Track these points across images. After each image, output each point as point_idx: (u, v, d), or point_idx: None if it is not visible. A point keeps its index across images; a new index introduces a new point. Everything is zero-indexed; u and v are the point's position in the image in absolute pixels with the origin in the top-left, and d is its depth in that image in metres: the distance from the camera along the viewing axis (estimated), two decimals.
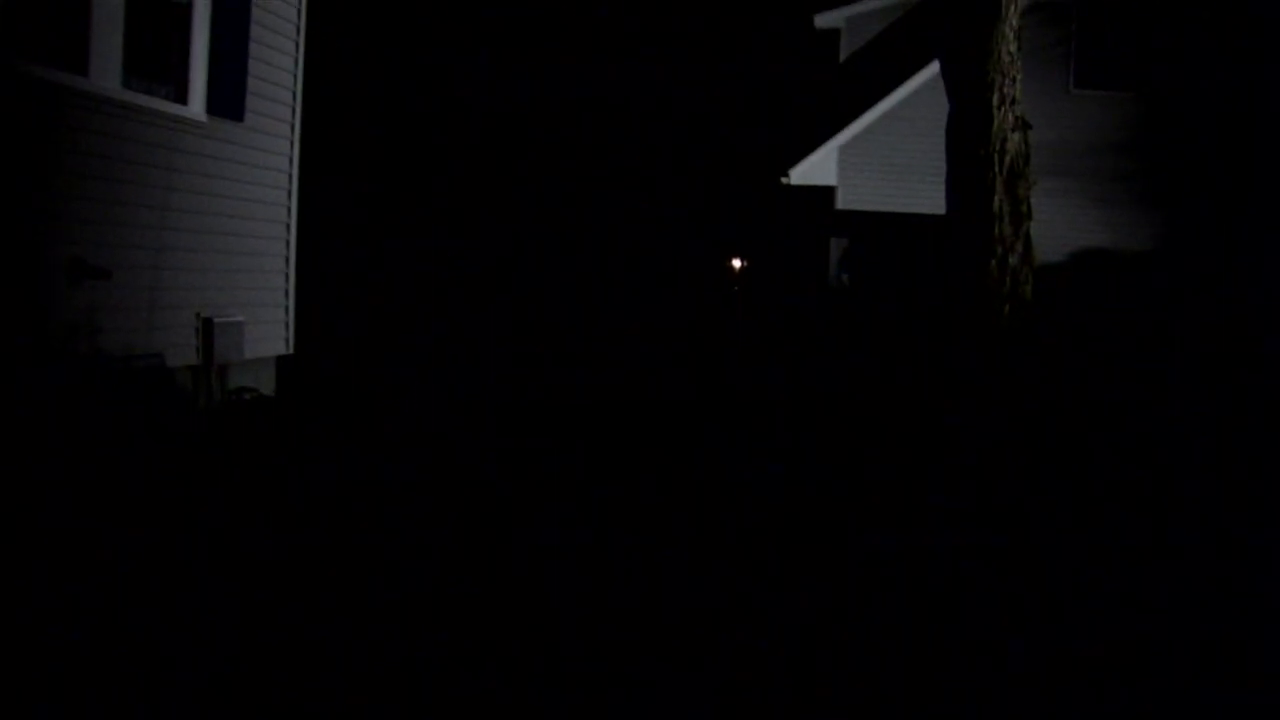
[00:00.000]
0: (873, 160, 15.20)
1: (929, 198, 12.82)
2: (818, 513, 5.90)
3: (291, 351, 9.01)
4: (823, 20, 16.74)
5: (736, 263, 24.86)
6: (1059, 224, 14.01)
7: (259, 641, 3.79)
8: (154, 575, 4.34)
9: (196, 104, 7.52)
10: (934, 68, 13.27)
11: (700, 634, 4.01)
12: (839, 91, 16.50)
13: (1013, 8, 7.03)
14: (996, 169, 6.93)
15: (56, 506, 5.07)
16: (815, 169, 15.32)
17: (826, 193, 15.47)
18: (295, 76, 8.85)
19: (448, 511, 5.65)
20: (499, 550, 5.01)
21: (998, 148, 6.95)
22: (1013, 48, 7.02)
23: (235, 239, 8.12)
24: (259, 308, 8.44)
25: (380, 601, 4.24)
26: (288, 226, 8.91)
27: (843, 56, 16.68)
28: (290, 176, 8.87)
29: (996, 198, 6.93)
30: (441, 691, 3.47)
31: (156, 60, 7.22)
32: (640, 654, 3.82)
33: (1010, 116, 6.99)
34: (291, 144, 8.87)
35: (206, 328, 7.53)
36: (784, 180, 15.37)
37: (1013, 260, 6.94)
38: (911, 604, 4.41)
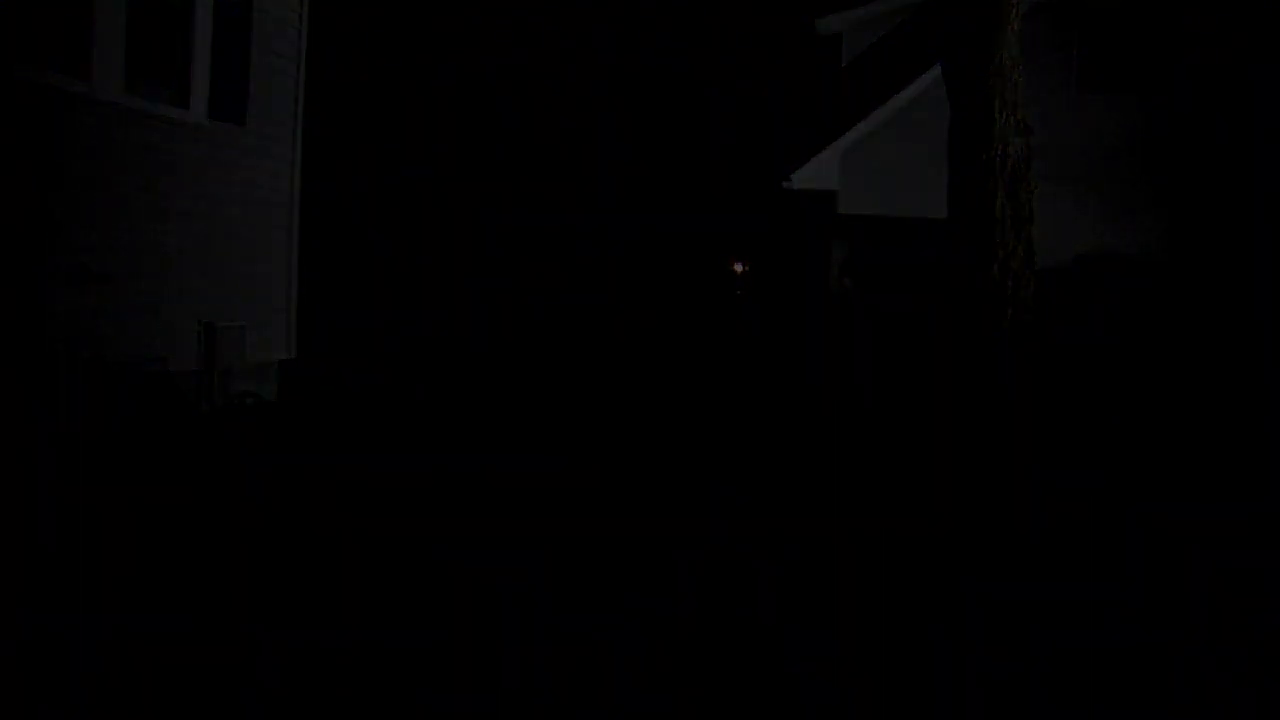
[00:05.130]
0: (875, 165, 15.19)
1: (930, 202, 12.80)
2: None
3: (294, 355, 9.01)
4: (825, 25, 16.73)
5: (738, 267, 24.85)
6: (1061, 228, 13.99)
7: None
8: (151, 577, 4.34)
9: (198, 108, 7.53)
10: (935, 72, 13.24)
11: None
12: (841, 96, 16.50)
13: (1015, 11, 7.01)
14: (998, 173, 6.90)
15: (57, 508, 5.07)
16: (817, 173, 15.31)
17: (828, 197, 15.47)
18: (297, 80, 8.86)
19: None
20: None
21: (999, 152, 6.92)
22: (1014, 51, 7.00)
23: (237, 243, 8.13)
24: (261, 312, 8.44)
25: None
26: (290, 230, 8.90)
27: (845, 61, 16.69)
28: (292, 180, 8.87)
29: (998, 202, 6.90)
30: None
31: (158, 65, 7.23)
32: None
33: (1012, 120, 6.96)
34: (293, 147, 8.87)
35: (208, 332, 7.53)
36: (786, 184, 15.38)
37: (1014, 265, 6.91)
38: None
